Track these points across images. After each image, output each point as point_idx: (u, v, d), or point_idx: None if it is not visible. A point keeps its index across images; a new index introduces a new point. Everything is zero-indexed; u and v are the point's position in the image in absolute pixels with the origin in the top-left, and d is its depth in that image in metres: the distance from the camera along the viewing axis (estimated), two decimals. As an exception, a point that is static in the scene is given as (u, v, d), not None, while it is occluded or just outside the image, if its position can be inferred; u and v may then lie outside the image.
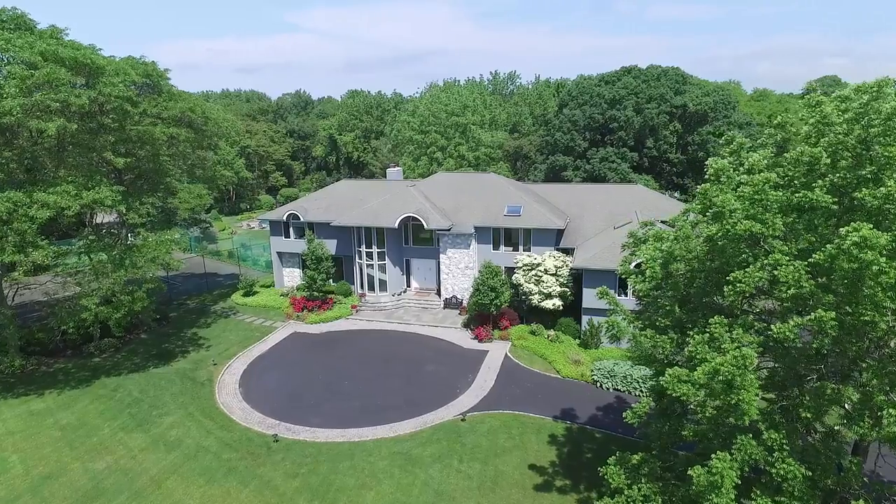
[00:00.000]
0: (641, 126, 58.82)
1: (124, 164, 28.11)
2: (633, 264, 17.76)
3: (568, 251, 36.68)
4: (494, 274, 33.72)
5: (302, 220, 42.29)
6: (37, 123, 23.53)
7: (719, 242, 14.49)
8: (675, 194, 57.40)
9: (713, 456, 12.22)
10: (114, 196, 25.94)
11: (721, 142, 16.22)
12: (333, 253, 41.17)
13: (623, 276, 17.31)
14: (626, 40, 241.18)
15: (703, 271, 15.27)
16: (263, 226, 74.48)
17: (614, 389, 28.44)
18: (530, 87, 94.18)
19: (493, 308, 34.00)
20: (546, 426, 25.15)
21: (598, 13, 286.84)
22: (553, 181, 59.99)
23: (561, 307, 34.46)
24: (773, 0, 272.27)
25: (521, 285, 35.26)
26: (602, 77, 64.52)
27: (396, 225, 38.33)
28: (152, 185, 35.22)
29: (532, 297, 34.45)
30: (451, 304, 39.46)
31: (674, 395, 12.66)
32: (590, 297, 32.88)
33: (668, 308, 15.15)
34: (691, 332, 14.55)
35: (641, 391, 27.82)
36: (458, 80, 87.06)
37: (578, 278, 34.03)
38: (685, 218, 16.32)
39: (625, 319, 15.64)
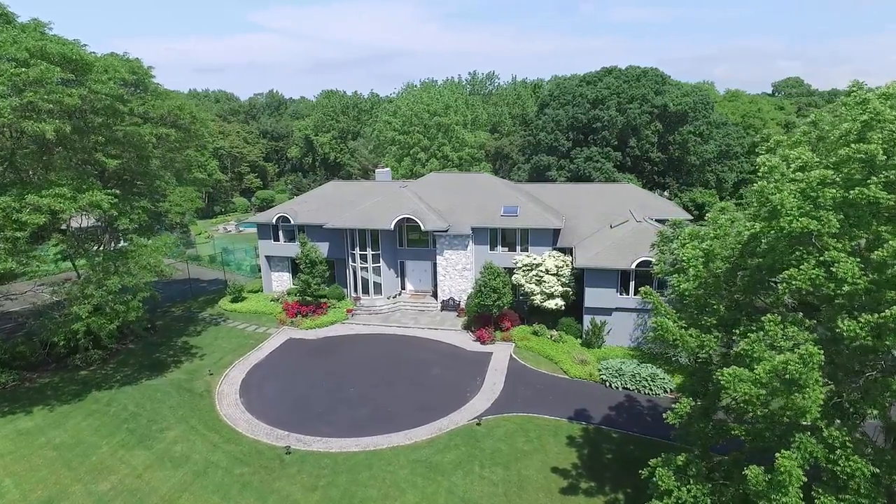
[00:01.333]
0: (624, 126, 59.41)
1: (116, 165, 26.56)
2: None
3: (565, 251, 36.63)
4: (496, 275, 33.36)
5: (293, 222, 41.08)
6: (31, 125, 21.91)
7: (763, 240, 14.49)
8: (664, 194, 58.21)
9: (778, 455, 12.10)
10: (109, 199, 24.48)
11: (757, 139, 16.31)
12: (325, 256, 40.14)
13: (659, 276, 17.21)
14: (591, 42, 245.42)
15: (745, 269, 15.24)
16: (241, 229, 72.61)
17: (623, 388, 28.42)
18: (507, 87, 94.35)
19: (496, 309, 33.66)
20: (562, 428, 24.93)
21: (562, 15, 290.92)
22: (537, 181, 60.00)
23: (563, 307, 34.36)
24: (730, 3, 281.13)
25: (521, 286, 35.02)
26: (583, 77, 64.93)
27: (392, 227, 37.63)
28: (135, 187, 33.53)
29: (534, 297, 34.24)
30: (448, 306, 38.95)
31: (735, 394, 12.51)
32: (592, 297, 32.90)
33: (714, 307, 15.05)
34: (737, 331, 14.51)
35: (651, 389, 27.90)
36: (436, 81, 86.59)
37: (579, 278, 34.00)
38: (723, 216, 16.27)
39: (669, 319, 15.46)
